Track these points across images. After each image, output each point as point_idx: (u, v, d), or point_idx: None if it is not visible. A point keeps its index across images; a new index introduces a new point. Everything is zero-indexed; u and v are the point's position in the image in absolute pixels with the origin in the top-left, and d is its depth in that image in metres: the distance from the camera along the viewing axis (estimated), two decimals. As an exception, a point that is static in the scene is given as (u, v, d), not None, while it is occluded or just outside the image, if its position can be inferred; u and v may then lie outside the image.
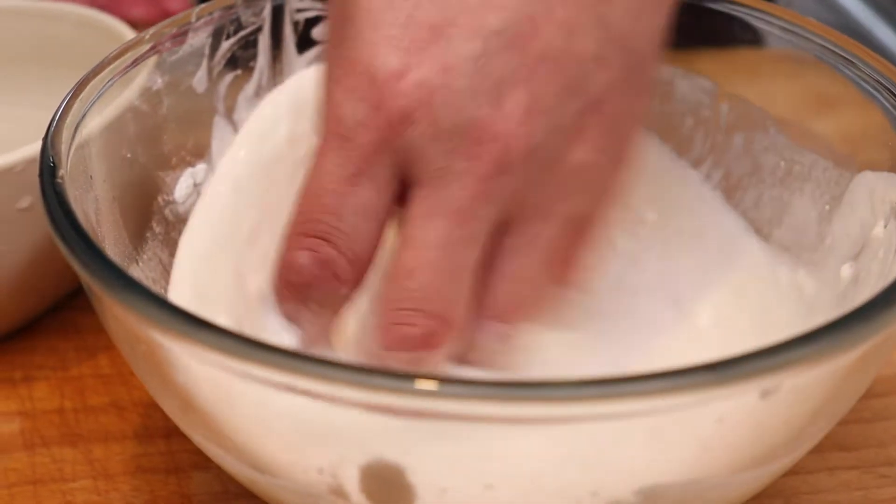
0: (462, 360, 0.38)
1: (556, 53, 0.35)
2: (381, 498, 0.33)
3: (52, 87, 0.57)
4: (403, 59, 0.35)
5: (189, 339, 0.32)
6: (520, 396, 0.30)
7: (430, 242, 0.35)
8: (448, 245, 0.35)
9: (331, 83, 0.37)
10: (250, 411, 0.34)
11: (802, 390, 0.33)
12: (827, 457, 0.44)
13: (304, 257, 0.36)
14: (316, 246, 0.36)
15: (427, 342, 0.36)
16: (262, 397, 0.33)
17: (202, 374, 0.34)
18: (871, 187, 0.43)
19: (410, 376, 0.30)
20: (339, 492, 0.34)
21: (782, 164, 0.46)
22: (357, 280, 0.37)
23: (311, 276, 0.36)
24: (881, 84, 0.43)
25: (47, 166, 0.37)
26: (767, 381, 0.32)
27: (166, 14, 0.67)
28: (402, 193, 0.37)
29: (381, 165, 0.36)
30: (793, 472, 0.41)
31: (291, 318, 0.38)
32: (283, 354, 0.31)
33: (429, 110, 0.35)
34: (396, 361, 0.36)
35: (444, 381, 0.31)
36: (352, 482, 0.33)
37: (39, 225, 0.46)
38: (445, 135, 0.35)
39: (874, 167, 0.43)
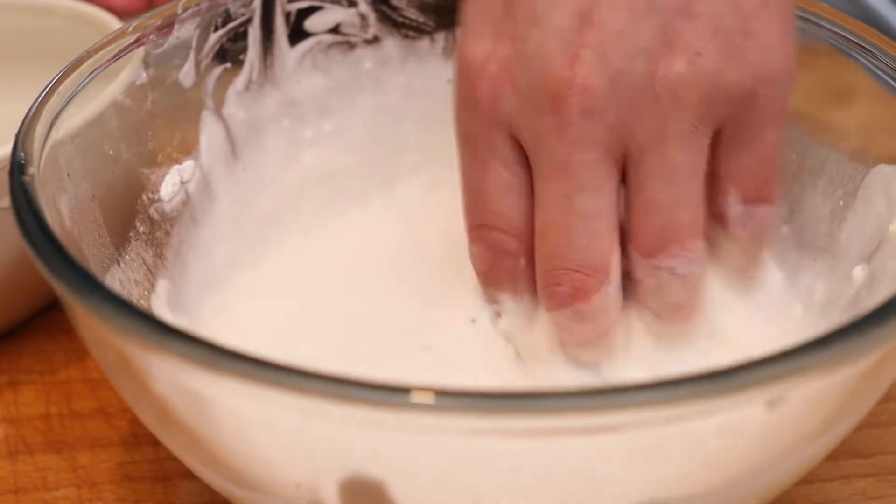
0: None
1: None
2: (363, 514, 0.32)
3: (40, 83, 0.55)
4: (486, 46, 0.37)
5: (162, 349, 0.31)
6: (507, 408, 0.29)
7: (549, 202, 0.37)
8: (563, 199, 0.36)
9: (455, 96, 0.39)
10: (226, 424, 0.32)
11: (812, 400, 0.32)
12: (842, 464, 0.43)
13: (475, 247, 0.39)
14: (480, 234, 0.39)
15: (576, 295, 0.37)
16: (237, 409, 0.31)
17: (177, 385, 0.32)
18: (887, 181, 0.41)
19: (392, 388, 0.29)
20: (319, 507, 0.32)
21: (794, 157, 0.45)
22: (526, 248, 0.38)
23: (488, 260, 0.39)
24: (887, 66, 0.42)
25: (17, 163, 0.36)
26: (772, 391, 0.30)
27: (151, 5, 0.66)
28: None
29: (499, 145, 0.37)
30: (806, 480, 0.39)
31: (497, 299, 0.40)
32: (258, 365, 0.29)
33: (509, 82, 0.36)
34: (569, 324, 0.37)
35: (428, 392, 0.29)
36: (331, 497, 0.32)
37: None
38: (528, 98, 0.36)
39: (891, 160, 0.42)
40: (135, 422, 0.46)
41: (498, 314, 0.41)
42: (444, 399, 0.29)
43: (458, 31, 0.39)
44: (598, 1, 0.35)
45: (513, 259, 0.39)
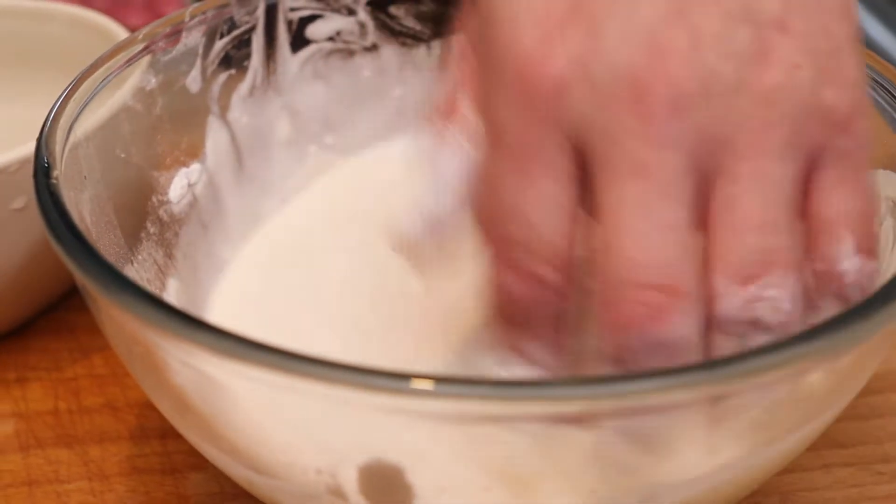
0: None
1: None
2: (380, 498, 0.33)
3: (43, 87, 0.56)
4: (549, 38, 0.32)
5: (186, 339, 0.32)
6: (517, 396, 0.30)
7: (621, 209, 0.31)
8: (640, 204, 0.31)
9: (487, 93, 0.34)
10: (248, 412, 0.34)
11: (801, 389, 0.33)
12: (823, 454, 0.44)
13: (505, 276, 0.33)
14: (513, 259, 0.33)
15: (654, 317, 0.31)
16: (259, 398, 0.33)
17: (199, 374, 0.33)
18: (881, 186, 0.43)
19: (408, 376, 0.30)
20: (337, 492, 0.34)
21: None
22: (566, 283, 0.33)
23: (520, 294, 0.33)
24: (878, 83, 0.43)
25: (41, 167, 0.37)
26: (765, 380, 0.32)
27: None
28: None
29: (553, 151, 0.32)
30: (789, 469, 0.41)
31: (519, 350, 0.34)
32: (280, 355, 0.31)
33: (583, 74, 0.32)
34: (632, 355, 0.31)
35: (441, 380, 0.31)
36: (350, 482, 0.33)
37: (33, 225, 0.46)
38: (605, 91, 0.31)
39: (887, 166, 0.43)
40: (142, 416, 0.47)
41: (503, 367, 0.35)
42: (463, 387, 0.30)
43: (495, 22, 0.33)
44: (691, 3, 0.32)
45: (554, 297, 0.33)
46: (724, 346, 0.32)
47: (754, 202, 0.32)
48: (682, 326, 0.31)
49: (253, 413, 0.34)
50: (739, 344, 0.32)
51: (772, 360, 0.31)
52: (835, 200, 0.33)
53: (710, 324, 0.32)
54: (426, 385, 0.30)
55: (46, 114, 0.40)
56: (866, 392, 0.40)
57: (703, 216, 0.32)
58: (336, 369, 0.30)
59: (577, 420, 0.31)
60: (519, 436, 0.32)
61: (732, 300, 0.32)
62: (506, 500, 0.33)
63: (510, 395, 0.30)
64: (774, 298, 0.32)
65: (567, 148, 0.32)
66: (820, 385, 0.34)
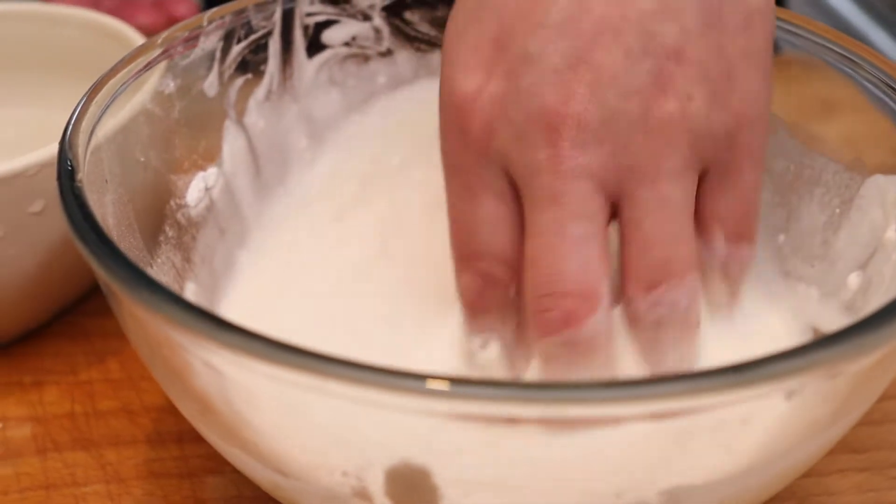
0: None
1: (613, 23, 0.36)
2: (406, 500, 0.33)
3: (57, 91, 0.57)
4: (477, 80, 0.38)
5: (212, 340, 0.32)
6: (546, 398, 0.30)
7: (541, 231, 0.37)
8: (556, 226, 0.37)
9: (440, 131, 0.40)
10: (274, 414, 0.34)
11: (825, 392, 0.34)
12: (838, 459, 0.45)
13: (465, 277, 0.40)
14: (471, 265, 0.39)
15: (568, 320, 0.37)
16: (286, 399, 0.33)
17: (224, 376, 0.34)
18: (882, 190, 0.43)
19: (434, 377, 0.30)
20: (363, 494, 0.34)
21: (792, 167, 0.46)
22: (516, 279, 0.39)
23: (478, 290, 0.39)
24: (888, 86, 0.44)
25: (65, 170, 0.37)
26: (793, 383, 0.32)
27: (172, 20, 0.67)
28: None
29: (490, 177, 0.38)
30: (805, 474, 0.41)
31: (483, 330, 0.40)
32: (309, 356, 0.31)
33: (503, 116, 0.37)
34: (558, 351, 0.37)
35: (466, 382, 0.31)
36: (376, 484, 0.33)
37: (51, 229, 0.46)
38: (522, 132, 0.37)
39: (885, 170, 0.44)
40: (158, 420, 0.47)
41: (482, 347, 0.41)
42: (489, 389, 0.30)
43: (444, 64, 0.39)
44: (593, 43, 0.36)
45: (503, 288, 0.39)
46: (640, 337, 0.38)
47: (654, 222, 0.37)
48: (594, 326, 0.37)
49: (279, 415, 0.34)
50: (657, 328, 0.38)
51: (797, 363, 0.31)
52: (709, 202, 0.39)
53: (627, 322, 0.38)
54: (452, 387, 0.30)
55: (65, 117, 0.40)
56: (880, 397, 0.40)
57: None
58: (363, 371, 0.31)
59: (609, 422, 0.31)
60: (545, 437, 0.32)
61: (640, 304, 0.38)
62: (533, 500, 0.33)
63: (533, 397, 0.30)
64: (673, 300, 0.38)
65: (501, 174, 0.38)
66: (844, 388, 0.34)
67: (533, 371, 0.39)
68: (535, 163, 0.37)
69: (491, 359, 0.40)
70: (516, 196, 0.38)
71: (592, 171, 0.36)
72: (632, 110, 0.36)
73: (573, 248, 0.37)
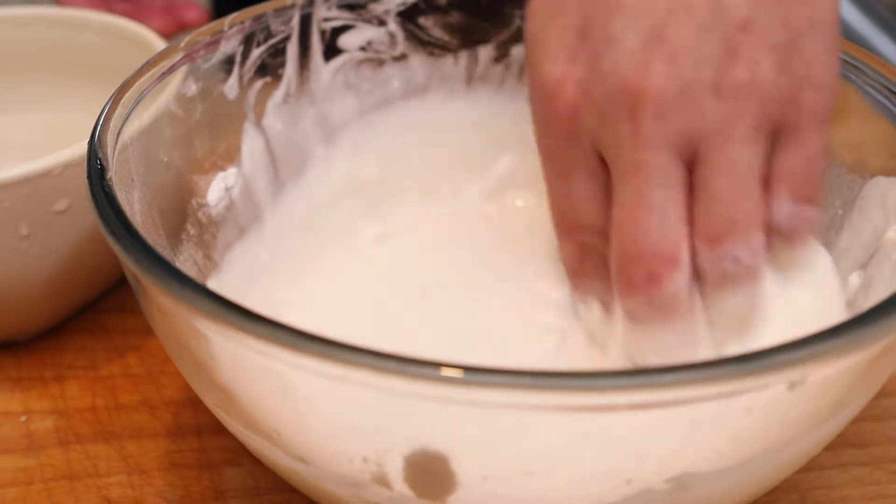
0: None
1: (685, 0, 0.39)
2: (423, 486, 0.35)
3: (77, 94, 0.58)
4: (562, 67, 0.40)
5: (239, 329, 0.33)
6: (559, 386, 0.32)
7: (625, 199, 0.40)
8: (638, 195, 0.39)
9: (533, 116, 0.42)
10: (297, 402, 0.35)
11: (827, 382, 0.35)
12: (840, 453, 0.46)
13: (567, 247, 0.43)
14: (572, 237, 0.43)
15: (650, 280, 0.40)
16: (310, 388, 0.34)
17: (249, 364, 0.35)
18: (883, 192, 0.44)
19: (448, 365, 0.32)
20: (382, 480, 0.35)
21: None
22: (604, 242, 0.42)
23: (579, 257, 0.43)
24: (890, 91, 0.45)
25: (96, 168, 0.39)
26: (796, 373, 0.33)
27: (183, 26, 0.69)
28: None
29: (581, 157, 0.41)
30: (807, 468, 0.42)
31: (586, 292, 0.44)
32: (332, 345, 0.32)
33: (588, 98, 0.40)
34: (642, 310, 0.40)
35: (484, 370, 0.32)
36: (396, 471, 0.34)
37: (74, 227, 0.47)
38: (606, 110, 0.40)
39: (887, 172, 0.45)
40: (178, 414, 0.48)
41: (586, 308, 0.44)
42: (506, 377, 0.32)
43: (531, 54, 0.42)
44: (668, 20, 0.39)
45: (600, 255, 0.42)
46: (704, 292, 0.41)
47: (721, 180, 0.39)
48: (675, 287, 0.40)
49: (302, 403, 0.35)
50: (717, 293, 0.40)
51: (800, 353, 0.32)
52: (775, 163, 0.40)
53: (694, 275, 0.40)
54: (466, 374, 0.31)
55: (85, 119, 0.41)
56: (879, 394, 0.41)
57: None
58: (385, 359, 0.32)
59: (624, 409, 0.32)
60: (561, 426, 0.33)
61: (705, 259, 0.40)
62: (546, 487, 0.35)
63: (548, 385, 0.32)
64: (736, 256, 0.40)
65: (591, 153, 0.41)
66: (846, 379, 0.35)
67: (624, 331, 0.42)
68: (618, 138, 0.39)
69: (593, 319, 0.43)
70: (607, 171, 0.41)
71: (670, 140, 0.39)
72: (705, 80, 0.39)
73: (654, 214, 0.39)
